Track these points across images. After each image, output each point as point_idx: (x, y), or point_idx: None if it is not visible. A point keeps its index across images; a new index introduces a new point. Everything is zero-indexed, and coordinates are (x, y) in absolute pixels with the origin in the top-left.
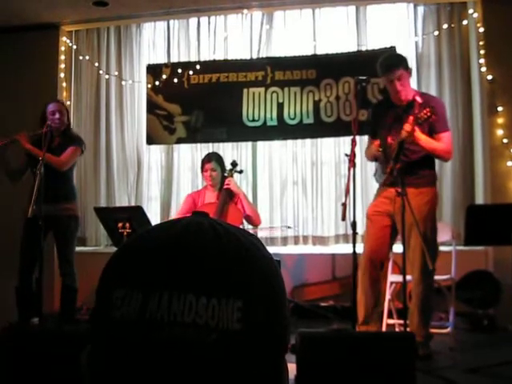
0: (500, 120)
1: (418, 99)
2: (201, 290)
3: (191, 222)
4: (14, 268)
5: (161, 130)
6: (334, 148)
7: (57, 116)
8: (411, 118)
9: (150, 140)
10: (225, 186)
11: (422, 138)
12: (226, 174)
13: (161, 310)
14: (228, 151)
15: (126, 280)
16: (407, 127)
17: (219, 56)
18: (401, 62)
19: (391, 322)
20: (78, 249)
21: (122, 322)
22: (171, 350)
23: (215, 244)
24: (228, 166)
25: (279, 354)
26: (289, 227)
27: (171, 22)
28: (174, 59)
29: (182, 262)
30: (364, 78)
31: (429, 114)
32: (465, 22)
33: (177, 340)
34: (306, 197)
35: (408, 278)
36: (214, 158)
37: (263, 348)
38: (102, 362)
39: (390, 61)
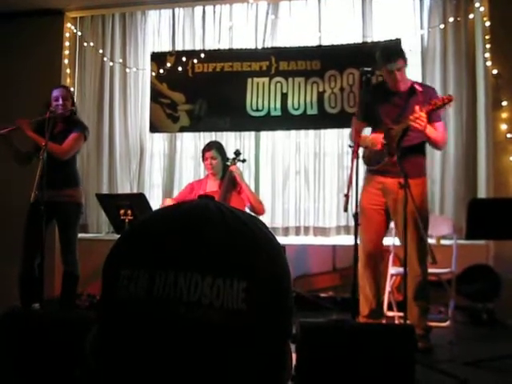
0: (504, 114)
1: (418, 87)
2: (206, 270)
3: (197, 204)
4: (17, 254)
5: (164, 118)
6: (338, 139)
7: (60, 102)
8: (417, 107)
9: (154, 128)
10: (230, 168)
11: (428, 127)
12: (228, 163)
13: (167, 288)
14: (231, 141)
15: (132, 260)
16: (418, 114)
17: (224, 45)
18: (401, 53)
19: (391, 314)
20: (79, 235)
21: (130, 300)
22: (177, 329)
23: (221, 225)
24: (231, 155)
25: (283, 336)
26: None
27: (176, 10)
28: (179, 47)
29: (188, 241)
30: (369, 69)
31: (447, 100)
32: (471, 16)
33: (182, 319)
34: (308, 187)
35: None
36: (214, 147)
37: (267, 329)
38: (109, 342)
39: (391, 52)
